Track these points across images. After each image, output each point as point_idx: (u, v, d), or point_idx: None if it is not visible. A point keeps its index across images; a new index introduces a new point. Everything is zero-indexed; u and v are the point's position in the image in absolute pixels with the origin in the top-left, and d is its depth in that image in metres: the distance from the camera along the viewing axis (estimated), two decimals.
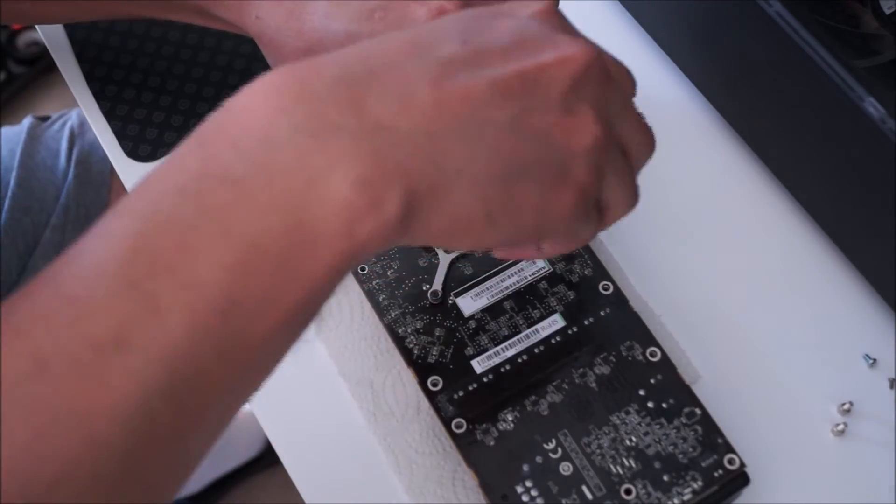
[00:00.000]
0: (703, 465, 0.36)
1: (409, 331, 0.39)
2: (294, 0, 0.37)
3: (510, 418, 0.37)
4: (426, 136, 0.26)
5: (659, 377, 0.38)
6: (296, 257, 0.24)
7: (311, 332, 0.42)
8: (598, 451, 0.36)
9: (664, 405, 0.37)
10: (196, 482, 1.05)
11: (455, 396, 0.38)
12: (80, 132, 0.66)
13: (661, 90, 0.48)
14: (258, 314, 0.24)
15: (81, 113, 0.66)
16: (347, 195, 0.24)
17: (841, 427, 0.39)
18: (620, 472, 0.36)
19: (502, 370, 0.38)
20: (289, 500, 0.48)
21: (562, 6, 0.50)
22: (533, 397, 0.37)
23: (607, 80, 0.29)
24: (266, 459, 1.07)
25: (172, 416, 0.24)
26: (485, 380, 0.38)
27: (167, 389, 0.23)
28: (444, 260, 0.41)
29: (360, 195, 0.24)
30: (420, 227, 0.26)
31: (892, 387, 0.40)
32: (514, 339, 0.39)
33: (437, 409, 0.37)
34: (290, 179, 0.24)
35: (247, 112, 0.25)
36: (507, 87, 0.27)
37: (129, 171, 0.47)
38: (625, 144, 0.30)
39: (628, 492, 0.35)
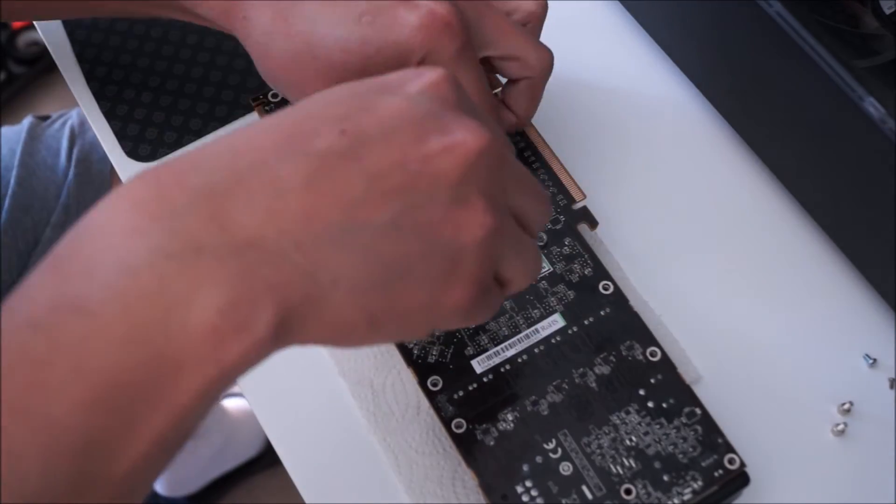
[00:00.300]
0: (704, 464, 0.36)
1: None
2: (283, 1, 0.36)
3: (510, 418, 0.37)
4: (296, 247, 0.24)
5: (659, 377, 0.38)
6: (158, 388, 0.23)
7: None
8: (598, 451, 0.36)
9: (664, 405, 0.37)
10: (196, 482, 1.05)
11: (455, 396, 0.38)
12: (80, 131, 0.66)
13: (662, 90, 0.48)
14: (120, 449, 0.23)
15: (82, 112, 0.66)
16: (212, 320, 0.23)
17: (841, 427, 0.39)
18: (620, 472, 0.36)
19: (502, 370, 0.38)
20: (289, 500, 0.48)
21: (563, 6, 0.50)
22: (533, 397, 0.37)
23: (501, 161, 0.27)
24: (266, 459, 1.07)
25: None
26: (485, 380, 0.38)
27: None
28: None
29: (226, 319, 0.23)
30: (298, 337, 0.25)
31: (892, 387, 0.40)
32: (514, 338, 0.39)
33: (437, 409, 0.37)
34: (149, 307, 0.23)
35: (101, 232, 0.23)
36: (387, 185, 0.25)
37: (130, 171, 0.47)
38: (522, 216, 0.29)
39: (628, 492, 0.35)
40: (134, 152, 0.47)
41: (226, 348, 0.23)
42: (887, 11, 0.40)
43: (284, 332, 0.24)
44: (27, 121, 0.67)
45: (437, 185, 0.26)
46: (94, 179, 0.64)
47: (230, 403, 1.05)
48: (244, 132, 0.26)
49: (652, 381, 0.38)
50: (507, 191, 0.28)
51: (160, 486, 1.03)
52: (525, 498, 0.35)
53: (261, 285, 0.24)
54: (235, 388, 1.14)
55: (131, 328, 0.23)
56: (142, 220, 0.23)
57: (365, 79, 0.28)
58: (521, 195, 0.29)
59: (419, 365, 0.38)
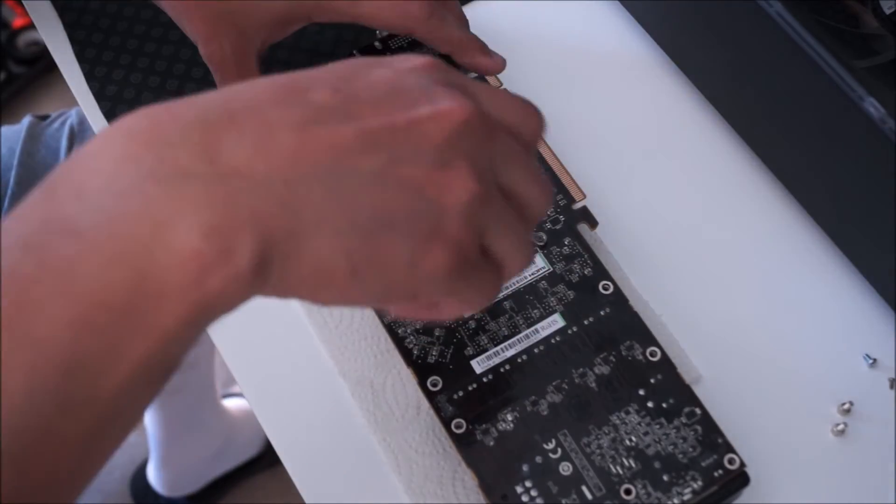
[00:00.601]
0: (703, 464, 0.36)
1: (408, 331, 0.39)
2: None
3: (510, 418, 0.37)
4: (284, 183, 0.25)
5: (659, 377, 0.38)
6: (142, 311, 0.23)
7: (311, 332, 0.42)
8: (598, 451, 0.36)
9: (664, 405, 0.37)
10: (196, 482, 1.05)
11: (455, 396, 0.38)
12: (79, 130, 0.66)
13: (662, 91, 0.48)
14: (104, 371, 0.23)
15: (81, 111, 0.66)
16: (195, 244, 0.23)
17: (841, 427, 0.39)
18: (620, 472, 0.36)
19: (502, 370, 0.38)
20: (289, 500, 0.48)
21: (564, 6, 0.50)
22: (533, 397, 0.37)
23: (490, 134, 0.28)
24: (266, 459, 1.07)
25: (19, 478, 0.22)
26: (485, 380, 0.38)
27: (11, 452, 0.22)
28: None
29: (209, 244, 0.23)
30: (279, 279, 0.25)
31: (892, 387, 0.40)
32: (514, 339, 0.39)
33: (437, 409, 0.37)
34: (136, 229, 0.23)
35: (94, 159, 0.24)
36: (375, 138, 0.26)
37: None
38: (515, 197, 0.29)
39: (628, 492, 0.35)
40: None
41: (208, 274, 0.23)
42: (887, 11, 0.40)
43: (265, 267, 0.24)
44: (26, 120, 0.67)
45: (421, 146, 0.26)
46: None
47: (230, 403, 1.05)
48: (240, 85, 0.27)
49: (652, 381, 0.38)
50: (498, 166, 0.28)
51: (160, 486, 1.03)
52: (525, 498, 0.35)
53: (245, 213, 0.24)
54: (235, 388, 1.13)
55: (118, 249, 0.23)
56: (134, 148, 0.24)
57: (360, 58, 0.29)
58: (512, 173, 0.29)
59: (419, 365, 0.38)
